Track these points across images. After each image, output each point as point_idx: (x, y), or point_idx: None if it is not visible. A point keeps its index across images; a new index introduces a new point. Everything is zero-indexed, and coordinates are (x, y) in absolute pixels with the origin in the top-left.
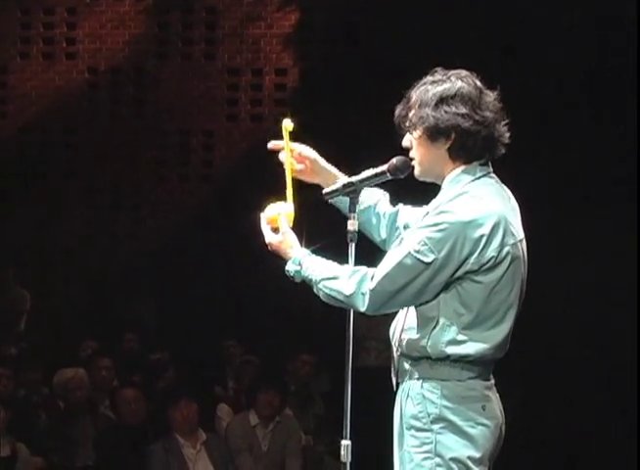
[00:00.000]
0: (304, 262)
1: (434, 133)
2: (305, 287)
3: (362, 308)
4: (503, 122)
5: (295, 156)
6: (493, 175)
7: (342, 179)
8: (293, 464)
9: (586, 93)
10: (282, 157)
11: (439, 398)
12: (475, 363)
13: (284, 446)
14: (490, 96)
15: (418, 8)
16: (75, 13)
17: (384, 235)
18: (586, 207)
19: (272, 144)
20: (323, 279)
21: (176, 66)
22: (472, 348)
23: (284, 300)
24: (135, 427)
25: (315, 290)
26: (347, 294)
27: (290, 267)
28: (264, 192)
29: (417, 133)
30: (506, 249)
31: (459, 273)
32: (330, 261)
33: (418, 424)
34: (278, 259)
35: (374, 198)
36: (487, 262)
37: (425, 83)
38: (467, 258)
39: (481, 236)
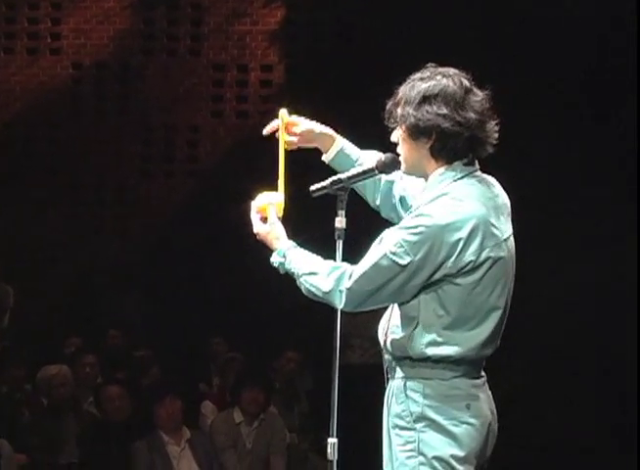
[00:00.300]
0: (289, 255)
1: (415, 132)
2: (290, 284)
3: (339, 306)
4: (491, 122)
5: (291, 132)
6: (478, 174)
7: (332, 177)
8: (277, 462)
9: (586, 93)
10: (270, 127)
11: (422, 396)
12: (458, 363)
13: (268, 443)
14: (478, 96)
15: (406, 4)
16: (60, 8)
17: (378, 202)
18: (586, 207)
19: (267, 129)
20: (304, 274)
21: (161, 61)
22: (451, 349)
23: (269, 297)
24: (119, 424)
25: (298, 284)
26: (325, 290)
27: (274, 259)
28: (249, 188)
29: (401, 130)
30: (485, 252)
31: (437, 276)
32: (314, 255)
33: (401, 423)
34: (263, 258)
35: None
36: (466, 266)
37: (413, 80)
38: (444, 262)
39: (459, 240)
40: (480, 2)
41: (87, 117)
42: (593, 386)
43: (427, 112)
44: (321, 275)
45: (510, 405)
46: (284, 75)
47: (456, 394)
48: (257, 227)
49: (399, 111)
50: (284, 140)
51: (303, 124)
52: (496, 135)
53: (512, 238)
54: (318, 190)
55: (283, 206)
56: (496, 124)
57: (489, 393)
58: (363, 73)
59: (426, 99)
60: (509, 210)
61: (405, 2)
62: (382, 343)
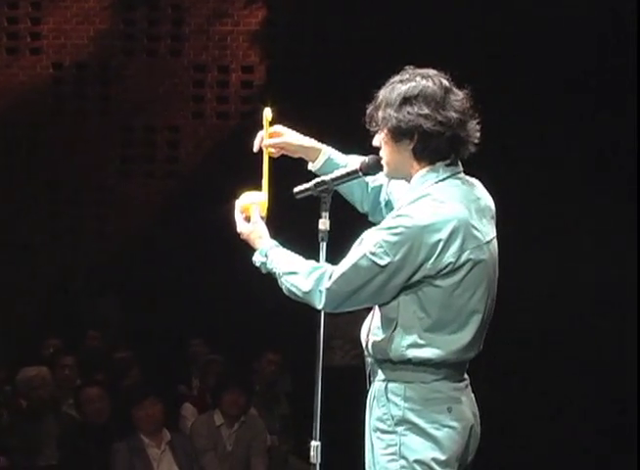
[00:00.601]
0: (270, 254)
1: (397, 134)
2: (271, 286)
3: (319, 306)
4: (472, 122)
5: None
6: (461, 176)
7: (316, 179)
8: (258, 464)
9: (586, 93)
10: (258, 141)
11: (403, 399)
12: (439, 366)
13: (249, 445)
14: (458, 95)
15: (390, 6)
16: (40, 8)
17: (366, 207)
18: (586, 207)
19: (256, 145)
20: (285, 273)
21: (142, 62)
22: (432, 352)
23: (249, 298)
24: (99, 426)
25: (279, 283)
26: (305, 290)
27: (256, 258)
28: (230, 189)
29: (383, 133)
30: (465, 254)
31: (417, 277)
32: (295, 255)
33: (383, 426)
34: (244, 259)
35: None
36: (445, 268)
37: (392, 83)
38: (423, 263)
39: (438, 241)
40: (479, 2)
41: (67, 117)
42: (593, 386)
43: (408, 113)
44: (301, 275)
45: (510, 405)
46: (265, 76)
47: (437, 397)
48: (240, 226)
49: (380, 114)
50: (267, 146)
51: (288, 136)
52: (478, 134)
53: (495, 241)
54: (301, 192)
55: (266, 205)
56: (477, 124)
57: (472, 396)
58: (344, 75)
59: (406, 100)
60: (493, 212)
61: (388, 3)
62: (364, 345)
